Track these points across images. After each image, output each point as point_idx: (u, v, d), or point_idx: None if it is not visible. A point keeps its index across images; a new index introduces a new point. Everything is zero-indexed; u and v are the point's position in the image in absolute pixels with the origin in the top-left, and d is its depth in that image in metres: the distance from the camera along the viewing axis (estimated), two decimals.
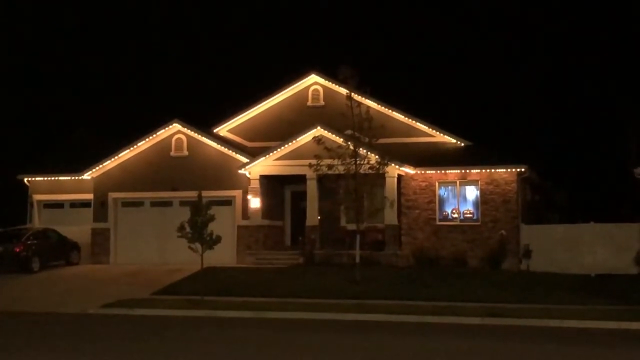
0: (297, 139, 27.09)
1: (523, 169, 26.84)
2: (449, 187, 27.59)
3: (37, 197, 31.08)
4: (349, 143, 22.23)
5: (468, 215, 27.28)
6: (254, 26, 61.57)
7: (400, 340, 13.95)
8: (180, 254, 21.63)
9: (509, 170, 26.87)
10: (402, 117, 29.33)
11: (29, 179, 31.11)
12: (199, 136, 28.61)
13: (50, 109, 46.34)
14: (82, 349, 12.92)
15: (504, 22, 56.31)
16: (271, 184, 28.53)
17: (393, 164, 24.63)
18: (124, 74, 52.13)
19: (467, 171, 27.19)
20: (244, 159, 27.83)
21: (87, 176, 29.23)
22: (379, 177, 23.82)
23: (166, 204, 28.78)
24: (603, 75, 45.07)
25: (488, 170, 27.00)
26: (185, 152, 28.70)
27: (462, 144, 29.06)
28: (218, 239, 19.15)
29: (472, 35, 55.47)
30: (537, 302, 18.36)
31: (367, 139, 22.21)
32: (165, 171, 28.64)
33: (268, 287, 20.99)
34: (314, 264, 25.55)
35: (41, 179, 30.93)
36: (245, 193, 27.73)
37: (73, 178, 30.04)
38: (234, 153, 28.21)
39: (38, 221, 30.81)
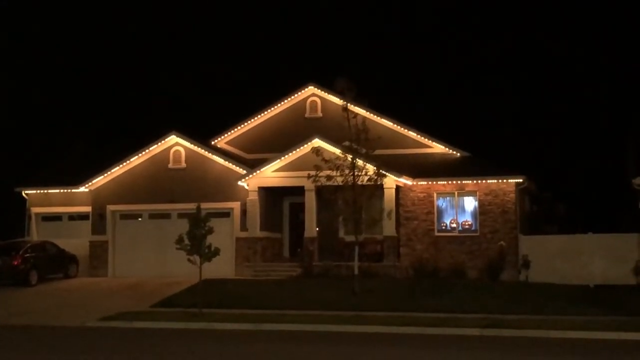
0: (296, 151, 27.09)
1: (521, 180, 26.86)
2: (447, 198, 27.59)
3: (35, 209, 31.02)
4: (347, 154, 22.24)
5: (466, 226, 27.27)
6: (252, 38, 61.80)
7: (399, 352, 13.91)
8: (179, 266, 21.59)
9: (507, 181, 26.88)
10: (400, 128, 29.38)
11: (27, 191, 31.05)
12: (197, 148, 28.61)
13: (48, 121, 46.34)
14: None
15: (501, 31, 56.53)
16: (269, 196, 28.51)
17: (391, 175, 24.62)
18: (122, 86, 52.17)
19: (465, 182, 27.19)
20: (242, 171, 27.83)
21: (85, 189, 29.22)
22: (377, 188, 23.83)
23: (164, 216, 28.75)
24: (602, 86, 45.14)
25: (486, 181, 27.00)
26: (183, 164, 28.70)
27: (460, 155, 29.09)
28: (217, 251, 19.12)
29: (469, 46, 55.65)
30: (537, 313, 18.32)
31: (364, 150, 22.22)
32: (163, 183, 28.63)
33: (266, 299, 20.96)
34: (312, 275, 25.48)
35: (39, 191, 30.88)
36: (243, 205, 27.70)
37: (71, 191, 30.01)
38: (232, 165, 28.20)
39: (36, 234, 30.73)
